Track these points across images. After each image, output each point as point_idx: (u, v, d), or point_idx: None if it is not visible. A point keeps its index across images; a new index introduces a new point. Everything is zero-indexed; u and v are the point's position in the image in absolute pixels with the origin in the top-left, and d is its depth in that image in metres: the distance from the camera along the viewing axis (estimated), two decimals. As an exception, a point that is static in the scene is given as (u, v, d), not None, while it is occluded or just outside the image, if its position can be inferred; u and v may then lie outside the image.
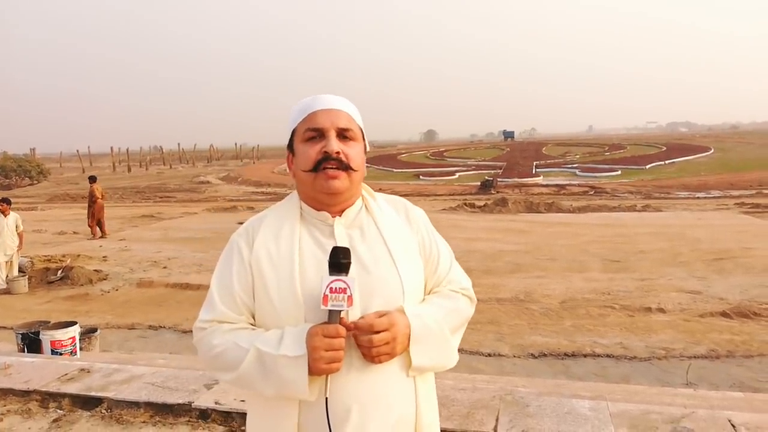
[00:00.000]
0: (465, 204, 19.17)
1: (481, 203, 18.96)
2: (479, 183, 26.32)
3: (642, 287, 7.94)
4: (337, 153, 1.28)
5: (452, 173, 33.52)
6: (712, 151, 43.18)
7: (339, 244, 1.26)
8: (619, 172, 32.20)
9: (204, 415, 3.31)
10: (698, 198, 21.69)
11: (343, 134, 1.31)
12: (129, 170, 53.15)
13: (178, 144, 74.13)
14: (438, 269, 1.39)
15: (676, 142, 56.38)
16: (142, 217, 18.77)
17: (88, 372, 3.96)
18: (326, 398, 1.20)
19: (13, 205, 10.21)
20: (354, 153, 1.31)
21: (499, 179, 28.03)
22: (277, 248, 1.30)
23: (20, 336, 5.29)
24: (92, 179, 15.72)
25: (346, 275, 1.20)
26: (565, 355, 5.65)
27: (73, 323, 5.41)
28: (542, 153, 47.65)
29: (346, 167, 1.29)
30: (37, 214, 20.29)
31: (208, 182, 36.81)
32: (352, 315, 1.23)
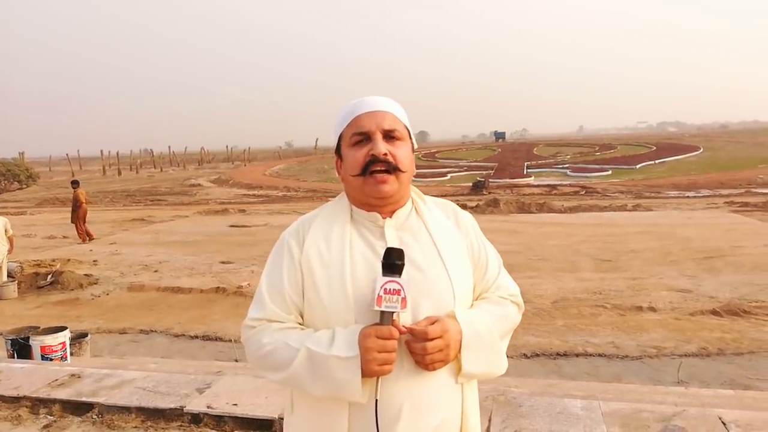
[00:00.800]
0: (457, 205, 19.16)
1: (473, 204, 18.99)
2: (471, 184, 26.38)
3: (633, 286, 7.98)
4: (385, 155, 1.27)
5: (444, 174, 33.60)
6: (702, 150, 43.52)
7: (391, 246, 1.25)
8: (610, 172, 32.38)
9: (196, 419, 3.29)
10: (688, 197, 21.84)
11: (389, 135, 1.30)
12: (119, 174, 52.82)
13: (169, 147, 73.84)
14: (486, 274, 1.39)
15: (666, 141, 56.77)
16: (133, 220, 18.64)
17: (79, 377, 3.94)
18: (376, 400, 1.19)
19: (1, 210, 10.12)
20: (401, 153, 1.30)
21: (490, 180, 28.10)
22: (328, 248, 1.30)
23: (10, 342, 5.24)
24: (76, 184, 15.61)
25: (400, 277, 1.19)
26: (558, 354, 5.67)
27: (63, 328, 5.37)
28: (533, 153, 47.84)
29: (395, 169, 1.28)
30: (26, 219, 20.10)
31: (199, 185, 36.64)
32: (403, 317, 1.21)
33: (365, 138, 1.29)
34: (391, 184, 1.28)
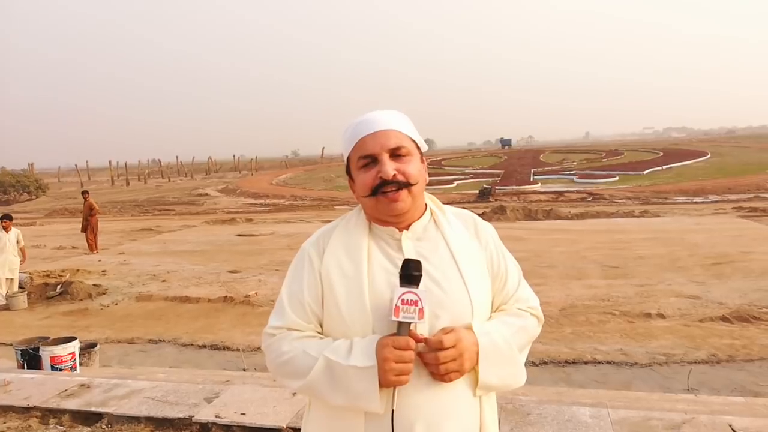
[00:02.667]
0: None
1: (480, 211, 18.95)
2: (477, 191, 26.41)
3: (641, 293, 7.94)
4: (394, 176, 1.27)
5: (450, 182, 33.66)
6: (709, 155, 43.31)
7: (408, 257, 1.25)
8: (617, 178, 32.25)
9: (204, 429, 3.30)
10: (696, 203, 21.73)
11: (395, 153, 1.29)
12: (127, 184, 53.14)
13: (177, 157, 74.22)
14: (506, 287, 1.38)
15: (673, 147, 56.53)
16: (141, 230, 18.74)
17: (88, 387, 3.96)
18: (393, 410, 1.19)
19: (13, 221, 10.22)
20: (411, 168, 1.30)
21: (497, 187, 28.07)
22: (347, 259, 1.31)
23: (20, 352, 5.28)
24: (87, 193, 15.70)
25: (417, 288, 1.19)
26: (566, 362, 5.64)
27: (72, 338, 5.40)
28: (540, 160, 47.74)
29: (406, 185, 1.28)
30: (35, 230, 20.26)
31: (206, 194, 36.81)
32: (420, 329, 1.22)
33: (372, 160, 1.30)
34: (404, 201, 1.29)
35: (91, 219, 14.62)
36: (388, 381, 1.18)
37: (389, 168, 1.27)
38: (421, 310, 1.17)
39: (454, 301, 1.27)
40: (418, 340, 1.19)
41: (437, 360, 1.19)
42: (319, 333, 1.32)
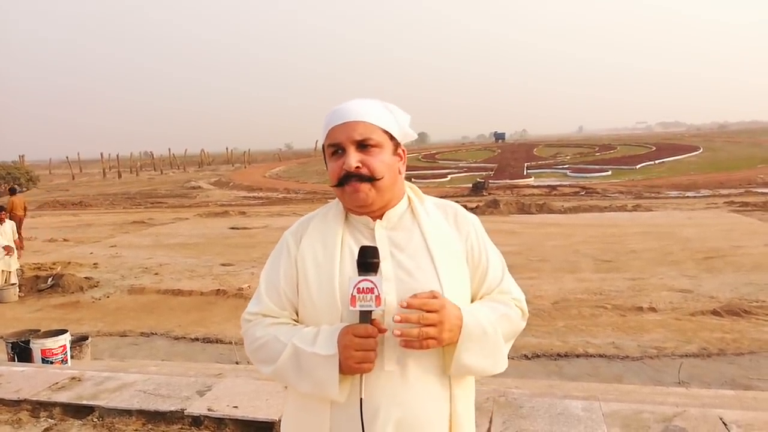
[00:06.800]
0: (460, 206, 19.12)
1: (473, 205, 18.97)
2: (471, 185, 26.42)
3: (633, 287, 7.99)
4: (357, 168, 1.27)
5: (444, 175, 33.55)
6: (701, 150, 43.49)
7: (365, 245, 1.24)
8: (610, 173, 32.34)
9: (197, 422, 3.29)
10: (688, 197, 21.82)
11: (362, 144, 1.28)
12: (119, 176, 52.79)
13: (169, 149, 73.75)
14: (487, 279, 1.36)
15: (666, 141, 56.70)
16: (133, 223, 18.65)
17: (80, 380, 3.94)
18: (361, 399, 1.20)
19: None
20: (376, 161, 1.28)
21: (490, 181, 28.08)
22: (322, 248, 1.33)
23: (10, 345, 5.25)
24: (14, 191, 14.43)
25: (375, 275, 1.19)
26: (558, 355, 5.67)
27: (63, 331, 5.37)
28: (533, 154, 47.78)
29: (369, 179, 1.28)
30: (26, 222, 20.07)
31: (199, 187, 36.61)
32: (388, 317, 1.21)
33: (340, 149, 1.30)
34: (366, 193, 1.28)
35: (16, 216, 13.62)
36: (349, 368, 1.19)
37: (352, 160, 1.27)
38: (377, 297, 1.17)
39: (425, 290, 1.25)
40: (381, 330, 1.19)
41: (419, 320, 1.17)
42: (294, 320, 1.33)
